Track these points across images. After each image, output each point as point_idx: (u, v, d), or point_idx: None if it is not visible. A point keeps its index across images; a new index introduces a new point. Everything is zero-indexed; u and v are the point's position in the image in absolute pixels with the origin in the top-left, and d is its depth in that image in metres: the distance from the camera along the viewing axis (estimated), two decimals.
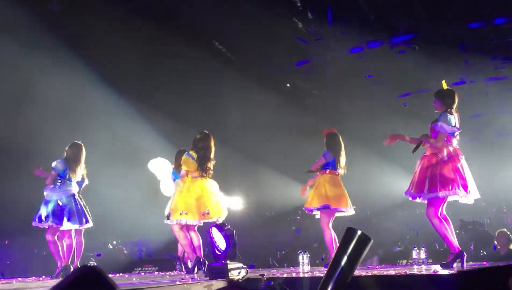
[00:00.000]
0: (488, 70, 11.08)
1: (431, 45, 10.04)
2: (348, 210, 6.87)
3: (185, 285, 4.45)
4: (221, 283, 4.72)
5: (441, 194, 5.40)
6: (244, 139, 12.47)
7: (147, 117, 11.50)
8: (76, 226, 7.04)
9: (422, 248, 7.04)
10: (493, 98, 12.34)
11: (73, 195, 7.12)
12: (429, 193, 5.47)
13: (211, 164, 6.70)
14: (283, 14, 9.56)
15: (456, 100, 5.70)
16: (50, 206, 6.94)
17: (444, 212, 5.58)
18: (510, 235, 8.85)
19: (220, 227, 5.20)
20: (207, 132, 6.85)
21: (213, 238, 5.20)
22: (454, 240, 5.50)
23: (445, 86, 5.84)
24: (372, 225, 12.79)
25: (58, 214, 6.92)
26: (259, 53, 10.81)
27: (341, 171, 6.98)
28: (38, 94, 9.71)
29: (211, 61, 10.70)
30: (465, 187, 5.42)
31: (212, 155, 6.71)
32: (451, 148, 5.56)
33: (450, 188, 5.39)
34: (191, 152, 6.68)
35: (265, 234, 13.34)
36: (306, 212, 7.17)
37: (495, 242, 9.13)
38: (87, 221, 7.17)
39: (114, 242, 12.69)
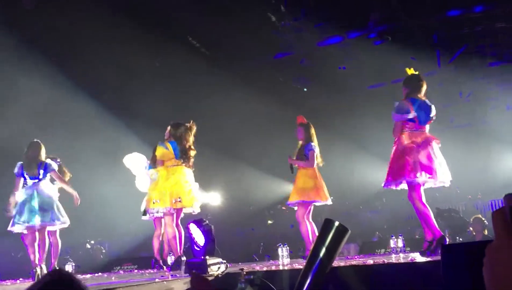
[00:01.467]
0: (460, 60, 11.21)
1: (403, 35, 10.13)
2: (325, 201, 6.92)
3: (164, 282, 4.43)
4: None
5: (403, 184, 5.39)
6: (221, 134, 12.41)
7: (123, 115, 11.37)
8: (27, 224, 6.69)
9: (400, 237, 7.05)
10: (464, 87, 12.52)
11: (34, 192, 6.79)
12: (394, 181, 5.46)
13: (192, 153, 6.65)
14: (256, 8, 9.53)
15: (423, 84, 5.57)
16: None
17: (424, 201, 5.57)
18: (485, 221, 8.96)
19: (198, 222, 5.17)
20: (179, 122, 6.77)
21: (192, 234, 5.17)
22: (436, 225, 5.46)
23: (409, 72, 5.79)
24: (350, 215, 12.89)
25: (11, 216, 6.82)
26: (234, 48, 10.76)
27: (319, 161, 6.99)
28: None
29: (186, 57, 10.59)
30: (428, 170, 5.29)
31: (192, 144, 6.66)
32: (404, 136, 5.43)
33: (408, 175, 5.30)
34: (165, 142, 6.60)
35: (244, 228, 13.35)
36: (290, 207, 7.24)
37: (470, 228, 9.26)
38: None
39: (92, 242, 12.53)
